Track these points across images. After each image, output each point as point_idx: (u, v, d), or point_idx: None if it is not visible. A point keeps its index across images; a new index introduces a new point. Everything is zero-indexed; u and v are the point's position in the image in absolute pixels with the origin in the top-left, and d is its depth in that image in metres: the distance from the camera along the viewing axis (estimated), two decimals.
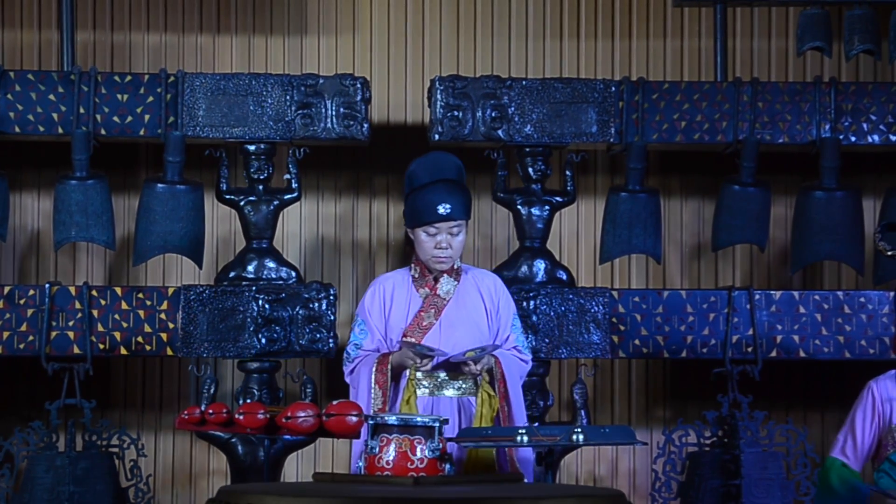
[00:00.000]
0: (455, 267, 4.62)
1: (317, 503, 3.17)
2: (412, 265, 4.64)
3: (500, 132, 5.63)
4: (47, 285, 5.39)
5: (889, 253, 4.55)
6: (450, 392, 4.51)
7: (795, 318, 5.54)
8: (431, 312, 4.54)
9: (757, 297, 5.57)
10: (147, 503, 5.36)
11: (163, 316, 5.41)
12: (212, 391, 5.43)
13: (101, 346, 5.38)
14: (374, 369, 4.45)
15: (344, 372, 4.61)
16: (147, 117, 5.54)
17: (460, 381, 4.52)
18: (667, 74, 6.11)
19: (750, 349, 5.52)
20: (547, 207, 5.67)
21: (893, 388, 4.19)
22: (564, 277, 5.65)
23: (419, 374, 4.49)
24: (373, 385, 4.44)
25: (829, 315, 5.58)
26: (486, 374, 4.48)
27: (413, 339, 4.47)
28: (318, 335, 5.46)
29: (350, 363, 4.57)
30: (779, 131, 5.71)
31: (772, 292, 5.63)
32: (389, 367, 4.45)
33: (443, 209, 4.50)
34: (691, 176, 6.16)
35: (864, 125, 5.71)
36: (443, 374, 4.51)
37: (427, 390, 4.50)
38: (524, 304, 5.42)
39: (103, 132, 5.53)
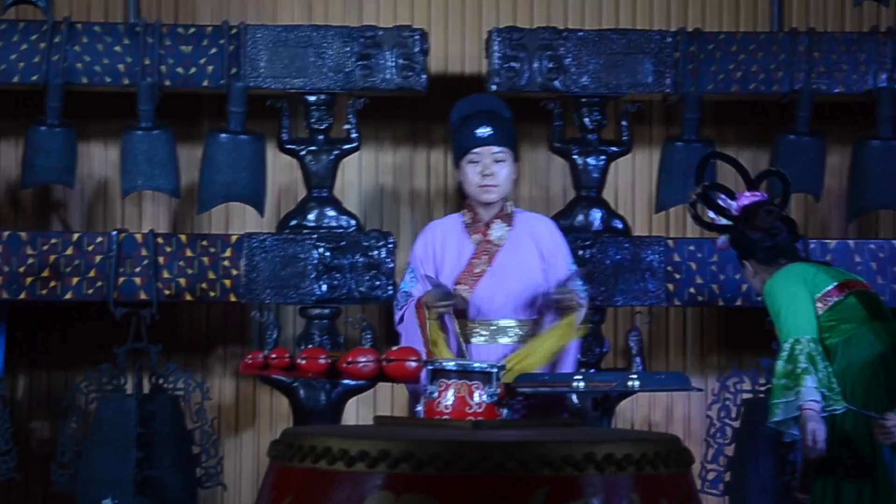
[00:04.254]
0: (508, 211, 4.55)
1: (379, 445, 3.16)
2: (464, 211, 4.58)
3: (556, 83, 5.60)
4: (114, 233, 5.43)
5: None
6: (505, 340, 4.47)
7: (850, 266, 5.45)
8: (484, 259, 4.46)
9: (812, 245, 5.52)
10: (212, 445, 5.44)
11: (226, 263, 5.43)
12: (274, 336, 5.45)
13: (167, 292, 5.41)
14: (415, 314, 4.43)
15: (394, 320, 4.59)
16: (210, 68, 5.55)
17: (517, 329, 4.48)
18: (723, 25, 6.05)
19: None
20: (603, 157, 5.65)
21: None
22: (620, 226, 5.64)
23: (475, 323, 4.45)
24: (417, 324, 4.41)
25: (883, 263, 5.53)
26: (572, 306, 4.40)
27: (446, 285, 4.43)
28: (377, 282, 5.47)
29: (399, 311, 4.54)
30: (835, 81, 5.66)
31: (827, 241, 5.59)
32: (425, 308, 4.42)
33: (482, 132, 4.43)
34: (746, 126, 6.12)
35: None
36: (503, 322, 4.47)
37: (483, 338, 4.47)
38: (580, 252, 5.40)
39: (168, 83, 5.55)
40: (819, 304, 4.26)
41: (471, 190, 4.49)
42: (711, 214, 4.50)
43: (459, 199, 5.98)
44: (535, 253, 4.52)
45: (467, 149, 4.46)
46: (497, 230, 4.51)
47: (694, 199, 4.51)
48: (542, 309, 4.45)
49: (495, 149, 4.45)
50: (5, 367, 5.61)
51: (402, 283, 4.59)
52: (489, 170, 4.45)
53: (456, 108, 4.62)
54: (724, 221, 4.48)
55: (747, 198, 4.48)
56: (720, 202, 4.48)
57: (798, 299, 4.26)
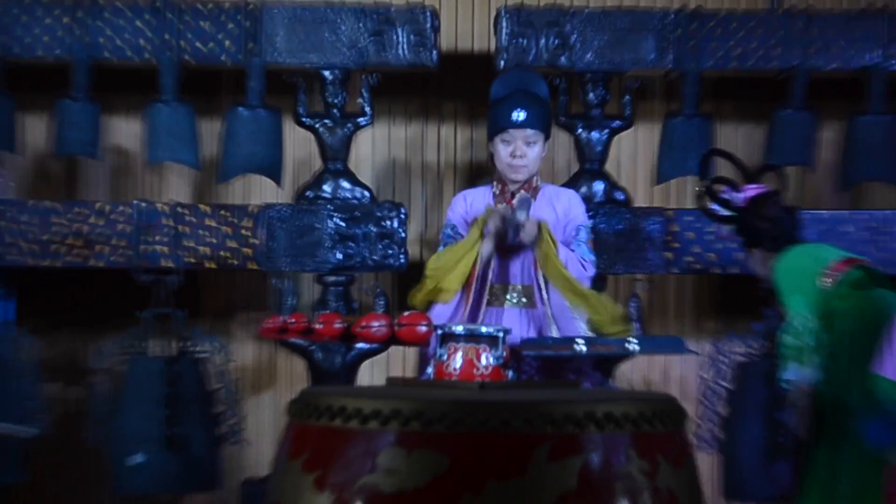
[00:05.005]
0: (534, 184, 4.60)
1: (391, 404, 3.19)
2: (494, 182, 4.63)
3: (562, 59, 5.62)
4: (138, 202, 5.45)
5: None
6: (517, 304, 4.53)
7: (842, 236, 5.49)
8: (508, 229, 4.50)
9: (806, 216, 5.52)
10: (234, 404, 5.46)
11: (246, 232, 5.45)
12: (292, 302, 5.42)
13: (190, 261, 5.43)
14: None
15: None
16: (229, 45, 5.57)
17: (526, 296, 4.56)
18: (723, 3, 6.04)
19: None
20: (606, 131, 5.68)
21: None
22: (622, 198, 5.67)
23: (499, 288, 4.52)
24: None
25: (875, 233, 5.55)
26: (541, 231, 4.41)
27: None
28: (389, 251, 5.50)
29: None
30: (830, 58, 5.67)
31: (820, 211, 5.62)
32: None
33: (517, 115, 4.46)
34: (744, 101, 6.11)
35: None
36: (520, 286, 4.52)
37: (511, 303, 4.53)
38: None
39: (188, 59, 5.56)
40: (827, 279, 4.35)
41: (501, 167, 4.53)
42: (716, 207, 4.58)
43: (472, 172, 6.04)
44: (555, 223, 4.57)
45: (501, 128, 4.49)
46: None
47: (699, 193, 4.59)
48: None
49: (528, 131, 4.49)
50: (39, 332, 5.62)
51: (443, 236, 4.63)
52: (520, 151, 4.48)
53: (498, 83, 4.61)
54: (726, 213, 4.57)
55: (752, 189, 4.54)
56: (724, 195, 4.57)
57: (803, 279, 4.34)
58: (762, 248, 4.53)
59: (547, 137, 4.59)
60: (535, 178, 4.62)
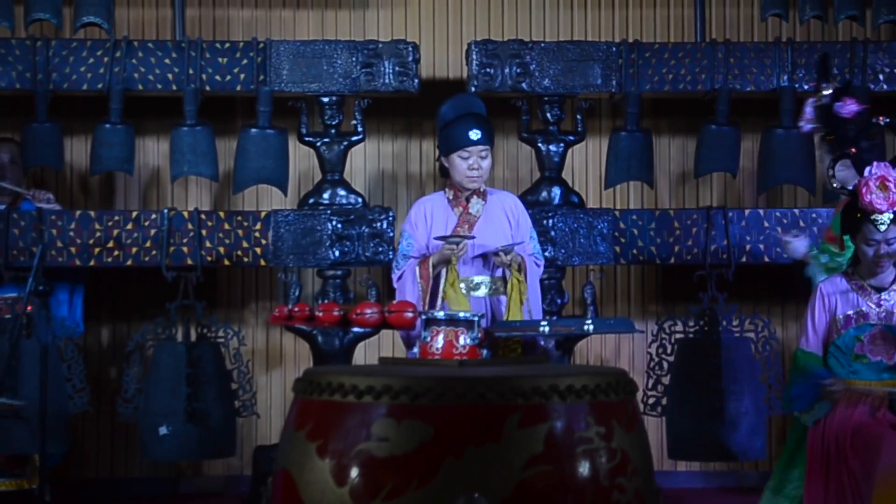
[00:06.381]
0: (482, 189, 4.53)
1: (383, 381, 3.13)
2: (446, 189, 4.54)
3: (523, 85, 5.55)
4: (166, 211, 5.37)
5: (835, 186, 4.40)
6: (481, 292, 4.44)
7: (761, 230, 5.45)
8: (465, 227, 4.46)
9: (730, 214, 5.48)
10: (247, 382, 5.40)
11: (257, 234, 5.38)
12: (297, 293, 5.41)
13: (209, 259, 5.37)
14: (417, 267, 4.39)
15: (392, 279, 4.54)
16: (242, 76, 5.49)
17: (491, 284, 4.43)
18: (657, 37, 6.02)
19: (725, 256, 5.45)
20: (562, 145, 5.61)
21: (837, 286, 4.11)
22: (576, 200, 5.60)
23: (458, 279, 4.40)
24: (418, 279, 4.37)
25: (787, 228, 5.48)
26: (514, 266, 4.39)
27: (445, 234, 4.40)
28: (380, 249, 5.43)
29: (398, 270, 4.49)
30: (746, 82, 5.61)
31: (742, 210, 5.54)
32: (430, 263, 4.38)
33: (474, 135, 4.40)
34: (677, 118, 6.08)
35: (815, 76, 5.59)
36: (477, 278, 4.43)
37: (464, 291, 4.43)
38: (544, 221, 5.37)
39: (207, 88, 5.49)
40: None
41: (459, 178, 4.46)
42: (809, 108, 4.28)
43: (443, 178, 5.96)
44: (505, 222, 4.51)
45: (460, 146, 4.41)
46: (475, 204, 4.49)
47: (827, 94, 4.26)
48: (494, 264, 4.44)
49: (481, 147, 4.42)
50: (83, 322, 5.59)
51: (401, 248, 4.54)
52: (477, 164, 4.43)
53: (448, 106, 4.54)
54: (823, 114, 4.29)
55: (854, 105, 4.27)
56: (825, 99, 4.29)
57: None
58: (850, 159, 4.19)
59: (492, 147, 4.51)
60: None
